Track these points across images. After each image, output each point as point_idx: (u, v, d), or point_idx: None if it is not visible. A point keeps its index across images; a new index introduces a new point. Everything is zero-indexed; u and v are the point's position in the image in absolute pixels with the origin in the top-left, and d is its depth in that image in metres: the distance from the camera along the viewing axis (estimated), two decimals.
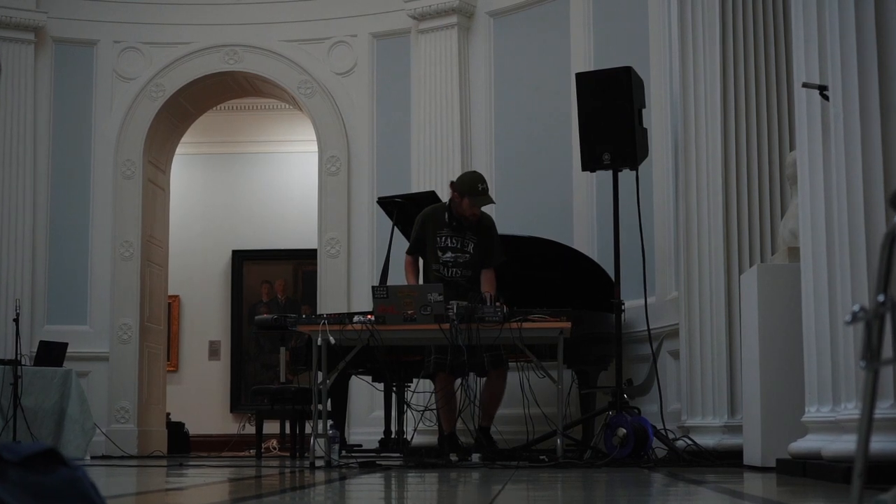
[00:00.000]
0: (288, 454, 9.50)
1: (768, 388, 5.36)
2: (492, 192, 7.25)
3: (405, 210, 7.97)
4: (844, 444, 4.05)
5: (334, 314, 6.87)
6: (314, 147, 10.57)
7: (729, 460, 6.10)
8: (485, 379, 7.07)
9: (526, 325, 6.31)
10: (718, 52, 6.58)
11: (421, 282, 7.12)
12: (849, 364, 4.08)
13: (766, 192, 6.52)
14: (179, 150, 11.49)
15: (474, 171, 7.36)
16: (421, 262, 7.18)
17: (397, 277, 7.77)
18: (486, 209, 7.16)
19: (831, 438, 4.22)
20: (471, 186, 6.93)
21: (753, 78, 6.55)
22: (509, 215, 8.56)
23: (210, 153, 13.32)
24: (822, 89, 4.39)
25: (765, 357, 5.40)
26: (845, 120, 4.12)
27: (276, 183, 13.30)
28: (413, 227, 7.17)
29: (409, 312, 6.32)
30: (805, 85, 4.53)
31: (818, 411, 4.49)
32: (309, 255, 11.14)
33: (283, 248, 13.12)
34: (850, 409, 4.05)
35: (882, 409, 3.75)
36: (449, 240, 6.99)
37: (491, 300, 6.44)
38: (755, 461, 5.46)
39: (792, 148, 6.23)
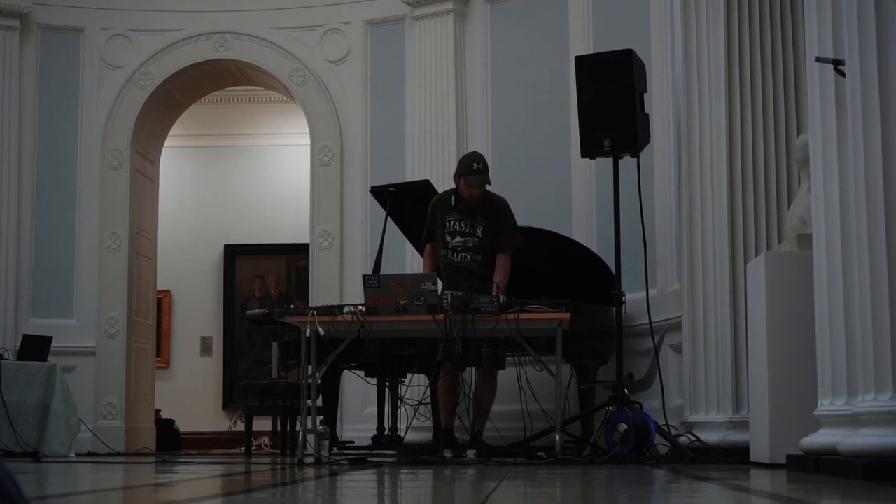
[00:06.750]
0: (279, 451, 9.28)
1: (777, 382, 5.17)
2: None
3: (399, 199, 7.75)
4: (863, 438, 3.82)
5: (324, 306, 6.63)
6: (306, 140, 10.35)
7: (734, 457, 5.90)
8: (477, 379, 6.83)
9: (523, 316, 6.08)
10: (723, 33, 6.36)
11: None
12: (867, 353, 3.85)
13: (773, 178, 6.30)
14: (170, 142, 11.27)
15: (473, 151, 7.09)
16: None
17: (390, 269, 7.56)
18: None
19: (848, 432, 3.99)
20: (466, 166, 6.69)
21: (759, 58, 6.33)
22: None
23: (201, 146, 13.14)
24: (837, 64, 4.16)
25: (773, 349, 5.20)
26: (863, 95, 3.90)
27: (268, 176, 13.13)
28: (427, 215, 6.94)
29: (402, 303, 6.09)
30: (818, 59, 4.29)
31: (832, 404, 4.27)
32: (302, 250, 10.95)
33: (275, 242, 12.92)
34: (868, 402, 3.82)
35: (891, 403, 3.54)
36: (458, 224, 6.75)
37: (497, 289, 6.21)
38: (763, 458, 5.26)
39: (800, 131, 6.03)
